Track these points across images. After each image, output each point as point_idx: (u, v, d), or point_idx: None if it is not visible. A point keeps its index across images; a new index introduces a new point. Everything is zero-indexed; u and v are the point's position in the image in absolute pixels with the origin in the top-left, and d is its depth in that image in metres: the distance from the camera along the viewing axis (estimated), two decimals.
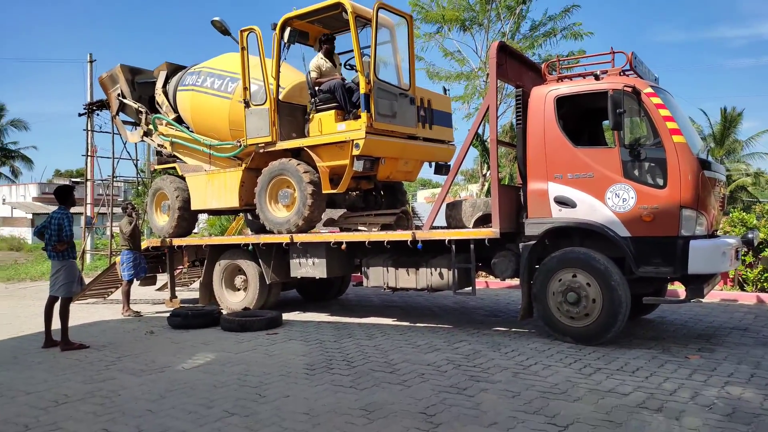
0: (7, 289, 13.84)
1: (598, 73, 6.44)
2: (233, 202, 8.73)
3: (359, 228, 8.42)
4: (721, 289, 9.26)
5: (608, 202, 5.94)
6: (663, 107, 5.88)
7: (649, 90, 5.96)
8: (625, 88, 5.87)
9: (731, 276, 9.46)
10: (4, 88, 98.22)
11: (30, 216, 37.11)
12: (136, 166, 14.14)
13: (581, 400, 4.24)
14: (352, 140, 7.29)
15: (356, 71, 7.36)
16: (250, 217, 10.30)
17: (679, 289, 7.97)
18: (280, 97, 8.13)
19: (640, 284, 6.26)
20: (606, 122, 6.70)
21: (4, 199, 44.05)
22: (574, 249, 6.17)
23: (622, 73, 6.37)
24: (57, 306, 6.73)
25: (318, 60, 8.08)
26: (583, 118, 7.14)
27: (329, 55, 8.22)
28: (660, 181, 5.76)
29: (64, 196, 6.83)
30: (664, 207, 5.69)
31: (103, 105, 11.69)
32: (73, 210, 7.08)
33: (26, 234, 35.24)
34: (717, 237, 6.27)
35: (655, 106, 5.87)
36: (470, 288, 6.95)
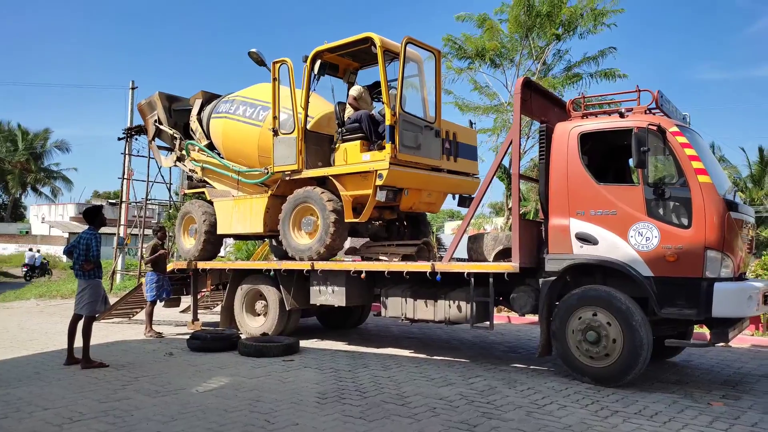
0: (38, 306, 14.21)
1: (623, 110, 6.42)
2: (258, 227, 8.88)
3: (380, 258, 8.44)
4: (752, 334, 8.92)
5: (631, 241, 5.84)
6: (689, 146, 5.81)
7: (675, 129, 5.91)
8: (650, 126, 5.83)
9: (762, 321, 9.13)
10: (51, 113, 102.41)
11: (66, 235, 38.19)
12: (169, 189, 14.57)
13: None
14: (376, 170, 7.38)
15: (383, 103, 7.50)
16: (274, 243, 10.44)
17: (706, 331, 7.72)
18: (308, 126, 8.31)
19: (663, 326, 6.10)
20: (631, 160, 6.64)
21: (43, 218, 45.56)
22: (595, 287, 6.06)
23: (647, 112, 6.34)
24: (81, 324, 6.87)
25: (360, 89, 8.28)
26: (607, 156, 7.09)
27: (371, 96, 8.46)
28: (685, 221, 5.66)
29: (93, 216, 7.05)
30: (689, 247, 5.57)
31: (141, 130, 12.12)
32: (106, 230, 7.30)
33: (62, 252, 36.27)
34: (744, 280, 6.09)
35: (681, 146, 5.81)
36: (488, 322, 6.86)
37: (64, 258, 35.10)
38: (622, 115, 6.34)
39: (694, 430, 4.43)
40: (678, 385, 6.01)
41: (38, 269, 25.92)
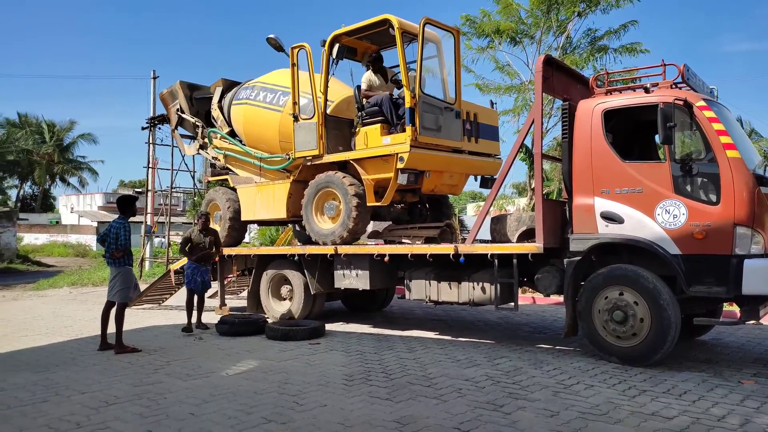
0: (71, 294, 14.59)
1: (649, 85, 6.29)
2: (281, 213, 8.95)
3: (403, 241, 8.47)
4: None
5: (658, 219, 5.76)
6: (716, 121, 5.68)
7: (702, 103, 5.77)
8: (676, 101, 5.70)
9: None
10: (76, 105, 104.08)
11: (95, 224, 39.02)
12: (193, 177, 14.71)
13: (622, 422, 4.11)
14: (397, 153, 7.36)
15: (402, 86, 7.45)
16: (297, 228, 10.53)
17: (736, 309, 7.60)
18: (328, 111, 8.31)
19: (692, 304, 6.03)
20: (657, 136, 6.52)
21: (72, 208, 46.58)
22: (621, 266, 6.00)
23: (673, 86, 6.20)
24: (114, 311, 7.04)
25: (369, 75, 8.25)
26: (632, 132, 6.97)
27: (380, 70, 8.37)
28: (713, 197, 5.55)
29: (125, 205, 7.15)
30: (717, 224, 5.47)
31: (164, 119, 12.25)
32: (133, 219, 7.42)
33: (91, 241, 37.09)
34: None
35: (708, 120, 5.68)
36: (513, 303, 6.85)
37: (94, 246, 35.92)
38: (647, 91, 6.20)
39: (725, 409, 4.39)
40: (707, 363, 5.95)
41: None
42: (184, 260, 10.34)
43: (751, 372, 5.55)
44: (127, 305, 7.23)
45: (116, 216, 7.20)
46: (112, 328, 6.95)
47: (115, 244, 6.92)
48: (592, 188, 6.18)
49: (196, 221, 9.14)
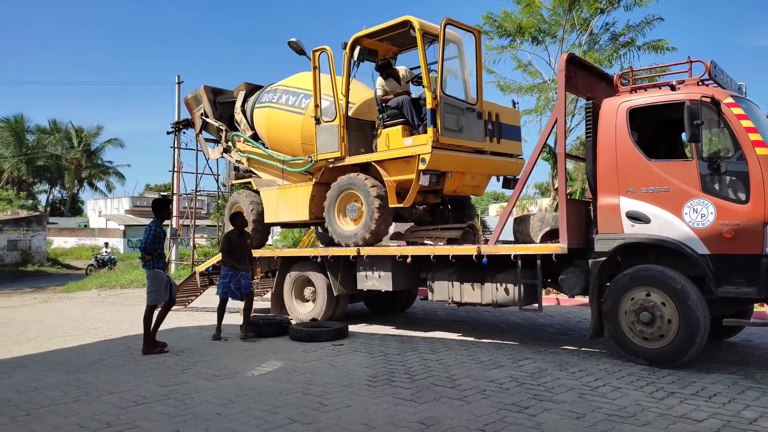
0: (99, 296, 14.89)
1: (674, 83, 6.18)
2: (303, 215, 9.02)
3: (425, 242, 8.46)
4: None
5: (685, 218, 5.66)
6: (745, 118, 5.57)
7: (730, 100, 5.66)
8: (703, 99, 5.60)
9: None
10: (103, 110, 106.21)
11: (122, 227, 39.72)
12: (217, 180, 14.92)
13: (650, 424, 4.06)
14: (419, 155, 7.37)
15: (423, 87, 7.46)
16: (320, 230, 10.59)
17: (766, 310, 7.43)
18: (350, 113, 8.35)
19: (721, 305, 5.91)
20: (684, 134, 6.42)
21: (100, 212, 47.50)
22: (647, 266, 5.91)
23: (700, 83, 6.09)
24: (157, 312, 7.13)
25: (381, 81, 8.29)
26: (658, 131, 6.87)
27: (391, 76, 8.38)
28: (742, 196, 5.44)
29: (158, 208, 7.25)
30: (747, 223, 5.36)
31: (189, 124, 12.45)
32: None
33: (119, 244, 37.76)
34: None
35: (737, 117, 5.57)
36: (537, 305, 6.80)
37: (122, 249, 36.61)
38: (673, 88, 6.10)
39: (757, 412, 4.30)
40: (738, 365, 5.83)
41: (108, 263, 25.58)
42: (210, 262, 10.48)
43: None
44: (156, 307, 7.17)
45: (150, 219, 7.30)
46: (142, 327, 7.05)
47: (144, 247, 7.03)
48: (618, 188, 6.10)
49: (221, 224, 9.19)
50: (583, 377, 5.41)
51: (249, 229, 9.82)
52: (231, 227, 8.49)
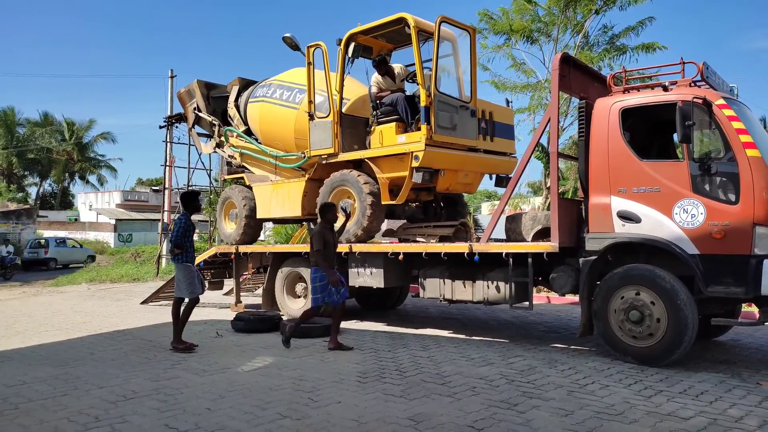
0: (89, 290, 14.81)
1: (667, 84, 6.22)
2: (296, 211, 9.01)
3: (417, 239, 8.47)
4: None
5: (675, 218, 5.70)
6: (736, 119, 5.61)
7: (721, 101, 5.70)
8: (695, 100, 5.64)
9: None
10: (96, 104, 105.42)
11: (113, 221, 39.47)
12: (209, 175, 14.84)
13: (637, 422, 4.09)
14: (412, 152, 7.37)
15: (417, 84, 7.46)
16: (312, 226, 10.57)
17: (754, 310, 7.50)
18: (343, 109, 8.34)
19: (710, 304, 5.96)
20: (675, 135, 6.46)
21: (90, 206, 47.16)
22: (638, 266, 5.95)
23: (692, 84, 6.13)
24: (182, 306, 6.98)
25: (376, 77, 8.27)
26: (649, 131, 6.91)
27: (386, 72, 8.37)
28: (732, 197, 5.48)
29: (187, 201, 7.17)
30: (736, 224, 5.41)
31: (181, 118, 12.39)
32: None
33: (109, 238, 37.56)
34: None
35: (728, 119, 5.61)
36: (527, 303, 6.83)
37: (113, 243, 36.41)
38: (665, 89, 6.14)
39: (742, 410, 4.34)
40: (725, 364, 5.88)
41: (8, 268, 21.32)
42: (202, 257, 10.40)
43: None
44: (182, 301, 6.98)
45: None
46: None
47: (174, 240, 6.91)
48: (609, 187, 6.14)
49: (212, 219, 9.01)
50: (572, 375, 5.44)
51: (242, 224, 9.81)
52: (320, 221, 7.02)
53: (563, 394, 4.81)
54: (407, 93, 8.15)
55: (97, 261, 26.22)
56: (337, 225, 7.33)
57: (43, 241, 26.79)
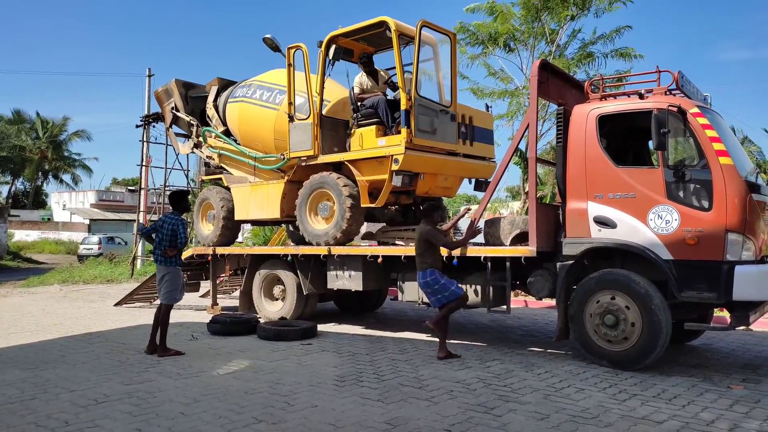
0: (62, 291, 14.50)
1: (643, 92, 6.32)
2: (275, 213, 8.94)
3: (396, 242, 8.47)
4: None
5: (650, 224, 5.79)
6: (710, 128, 5.72)
7: (696, 110, 5.81)
8: (670, 108, 5.73)
9: None
10: (70, 101, 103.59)
11: (87, 221, 38.78)
12: (186, 176, 14.66)
13: (612, 426, 4.13)
14: (392, 155, 7.37)
15: (398, 88, 7.47)
16: (291, 228, 10.52)
17: (726, 315, 7.64)
18: (324, 112, 8.31)
19: (683, 309, 6.06)
20: (650, 142, 6.56)
21: (64, 205, 46.28)
22: (613, 270, 6.03)
23: (668, 93, 6.24)
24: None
25: (361, 77, 8.25)
26: (626, 138, 7.01)
27: (371, 73, 8.36)
28: (705, 204, 5.58)
29: (178, 200, 6.86)
30: (709, 230, 5.50)
31: (158, 117, 12.24)
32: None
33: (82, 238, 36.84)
34: (766, 263, 6.00)
35: (702, 127, 5.71)
36: (505, 306, 6.86)
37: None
38: (641, 97, 6.24)
39: (714, 414, 4.41)
40: (697, 368, 5.98)
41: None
42: (183, 256, 10.22)
43: (741, 377, 5.59)
44: (171, 307, 6.79)
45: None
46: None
47: (170, 242, 6.57)
48: (586, 193, 6.20)
49: (190, 220, 8.88)
50: (548, 378, 5.48)
51: (219, 226, 9.69)
52: (424, 220, 6.69)
53: (539, 397, 4.84)
54: (388, 97, 8.15)
55: (70, 262, 25.70)
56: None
57: (96, 239, 29.66)
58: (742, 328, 6.22)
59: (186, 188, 12.00)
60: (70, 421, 4.26)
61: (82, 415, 4.39)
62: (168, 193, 6.98)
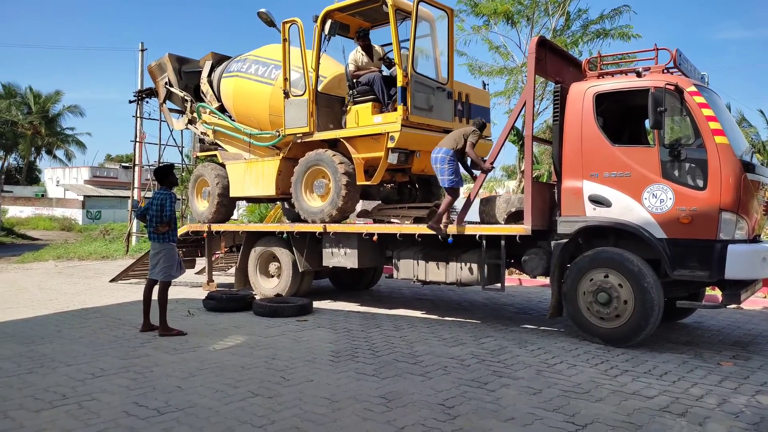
0: (57, 267, 14.49)
1: (640, 70, 6.29)
2: (270, 190, 8.91)
3: (392, 220, 8.48)
4: (765, 296, 8.92)
5: (645, 203, 5.81)
6: (706, 107, 5.71)
7: (693, 89, 5.79)
8: (667, 86, 5.71)
9: None
10: (62, 76, 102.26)
11: (81, 198, 38.60)
12: (181, 152, 14.58)
13: (603, 400, 4.20)
14: (388, 133, 7.34)
15: (395, 64, 7.40)
16: (287, 205, 10.50)
17: (718, 294, 7.73)
18: (319, 88, 8.24)
19: (675, 287, 6.11)
20: (647, 121, 6.55)
21: (58, 181, 46.02)
22: (606, 249, 6.06)
23: (665, 71, 6.21)
24: (156, 289, 6.62)
25: (356, 54, 8.16)
26: (623, 116, 6.99)
27: (366, 49, 8.27)
28: (700, 183, 5.60)
29: (164, 175, 6.71)
30: (703, 209, 5.53)
31: (152, 93, 12.08)
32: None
33: (77, 215, 36.74)
34: (759, 242, 6.06)
35: (698, 106, 5.70)
36: (499, 284, 6.92)
37: (80, 220, 35.57)
38: (639, 75, 6.22)
39: (704, 390, 4.49)
40: (688, 345, 6.06)
41: None
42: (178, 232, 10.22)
43: (731, 354, 5.67)
44: (170, 284, 6.70)
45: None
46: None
47: (159, 217, 6.44)
48: (582, 171, 6.21)
49: (184, 197, 8.77)
50: (541, 355, 5.55)
51: (214, 203, 9.67)
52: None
53: (532, 373, 4.91)
54: (384, 73, 8.08)
55: (65, 238, 25.64)
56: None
57: None
58: (733, 306, 6.31)
59: (171, 163, 11.86)
60: (67, 395, 4.29)
61: (79, 389, 4.43)
62: (155, 168, 6.81)
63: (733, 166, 5.48)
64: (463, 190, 7.92)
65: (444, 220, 7.04)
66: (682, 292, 6.29)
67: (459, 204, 8.59)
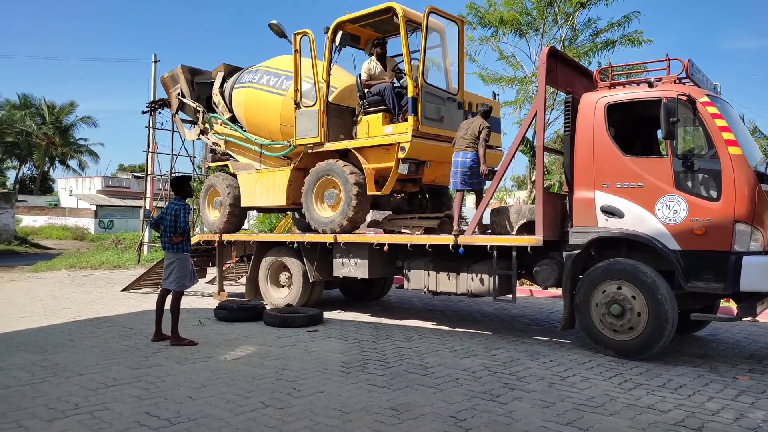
0: (69, 276, 14.61)
1: (652, 80, 6.27)
2: (281, 200, 8.95)
3: (402, 230, 8.48)
4: None
5: (658, 214, 5.77)
6: (719, 117, 5.67)
7: (705, 99, 5.76)
8: (680, 97, 5.69)
9: None
10: (77, 87, 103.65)
11: (94, 207, 38.94)
12: (192, 163, 14.64)
13: (617, 414, 4.15)
14: (398, 143, 7.36)
15: (405, 75, 7.43)
16: (297, 215, 10.54)
17: (732, 306, 7.63)
18: (330, 99, 8.29)
19: (689, 300, 6.05)
20: (659, 131, 6.51)
21: (71, 191, 46.47)
22: (619, 260, 6.02)
23: (677, 81, 6.18)
24: (169, 299, 6.61)
25: (370, 63, 8.20)
26: (634, 127, 6.97)
27: (381, 58, 8.31)
28: (714, 194, 5.55)
29: (180, 186, 6.76)
30: (717, 220, 5.48)
31: (165, 104, 12.21)
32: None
33: (90, 224, 37.04)
34: None
35: (711, 116, 5.67)
36: (511, 295, 6.88)
37: (92, 229, 35.86)
38: (651, 85, 6.19)
39: (720, 404, 4.42)
40: (703, 358, 5.98)
41: None
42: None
43: (747, 368, 5.59)
44: (183, 294, 6.74)
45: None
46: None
47: (174, 227, 6.48)
48: (593, 182, 6.18)
49: (196, 207, 8.78)
50: (553, 367, 5.50)
51: (225, 213, 9.71)
52: None
53: (545, 386, 4.86)
54: (395, 84, 8.12)
55: (77, 247, 25.86)
56: None
57: None
58: (748, 318, 6.22)
59: (188, 174, 11.95)
60: (80, 404, 4.31)
61: (92, 398, 4.44)
62: (172, 178, 6.85)
63: (747, 177, 5.43)
64: (474, 200, 7.89)
65: (455, 227, 7.06)
66: (696, 305, 6.24)
67: (469, 214, 8.56)
